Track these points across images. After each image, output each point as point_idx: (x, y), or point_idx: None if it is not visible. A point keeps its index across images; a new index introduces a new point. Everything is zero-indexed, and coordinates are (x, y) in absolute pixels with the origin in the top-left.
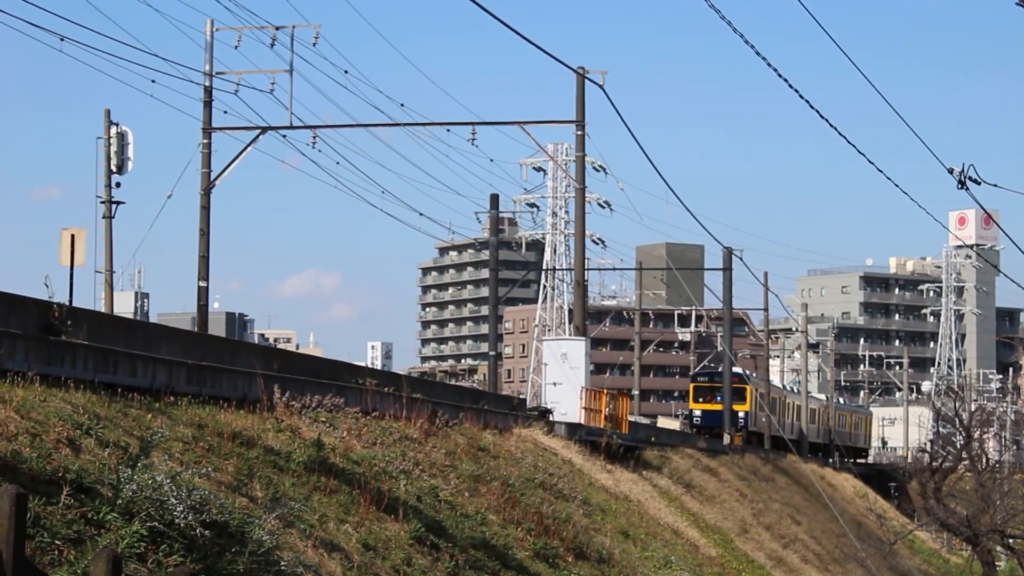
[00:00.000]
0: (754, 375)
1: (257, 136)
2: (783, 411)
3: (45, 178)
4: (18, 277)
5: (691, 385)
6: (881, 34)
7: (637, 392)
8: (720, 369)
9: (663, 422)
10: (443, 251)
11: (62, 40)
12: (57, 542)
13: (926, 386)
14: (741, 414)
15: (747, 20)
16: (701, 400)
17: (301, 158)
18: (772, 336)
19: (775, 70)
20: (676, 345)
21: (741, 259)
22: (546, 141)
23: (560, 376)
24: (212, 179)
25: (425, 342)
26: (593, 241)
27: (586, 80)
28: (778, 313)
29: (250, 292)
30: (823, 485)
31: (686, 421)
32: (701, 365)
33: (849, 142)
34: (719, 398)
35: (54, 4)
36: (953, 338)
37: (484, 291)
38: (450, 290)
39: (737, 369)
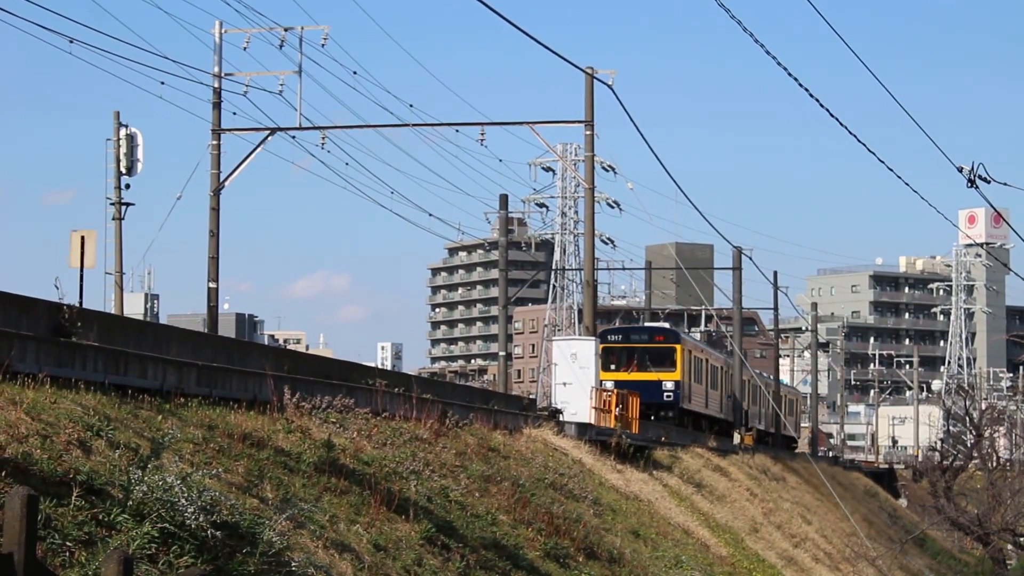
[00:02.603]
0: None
1: (266, 137)
2: (725, 386)
3: (58, 182)
4: (30, 279)
5: (600, 347)
6: (890, 34)
7: None
8: (641, 324)
9: None
10: (452, 251)
11: (71, 42)
12: (68, 543)
13: (936, 385)
14: (668, 385)
15: (756, 20)
16: (614, 367)
17: (310, 159)
18: (782, 335)
19: (785, 69)
20: None
21: (751, 258)
22: (555, 141)
23: (570, 376)
24: (222, 180)
25: (435, 342)
26: (603, 241)
27: (595, 80)
28: (788, 312)
29: (261, 293)
30: (833, 484)
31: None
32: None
33: (859, 140)
34: (640, 364)
35: (63, 6)
36: (963, 337)
37: (494, 291)
38: (460, 290)
39: (663, 324)
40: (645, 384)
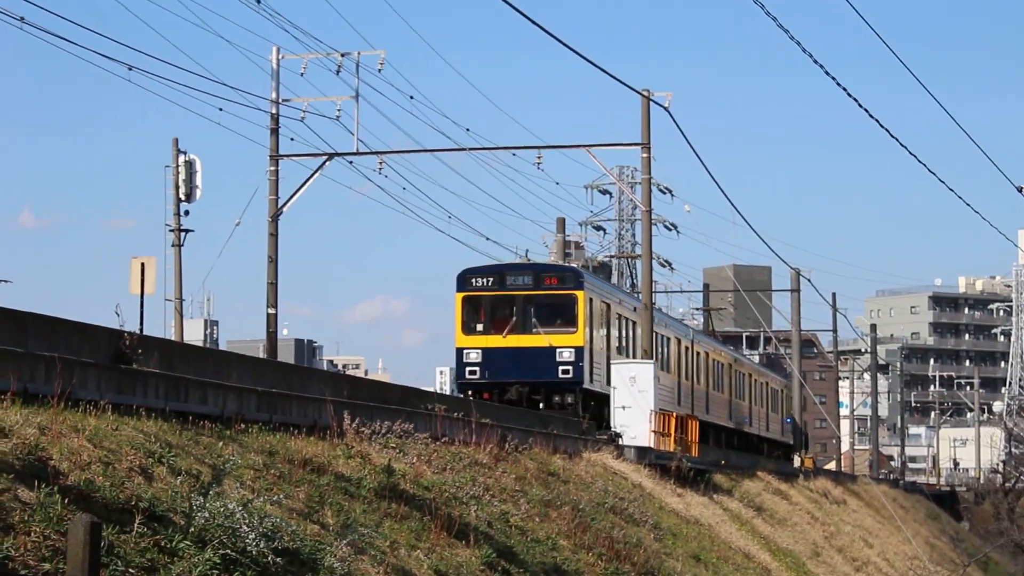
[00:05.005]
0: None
1: (324, 163)
2: (684, 365)
3: (120, 209)
4: (91, 306)
5: (458, 297)
6: (949, 54)
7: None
8: (524, 261)
9: None
10: None
11: (130, 69)
12: (131, 570)
13: (997, 406)
14: (565, 353)
15: (814, 41)
16: (479, 328)
17: (368, 184)
18: (841, 357)
19: (844, 89)
20: None
21: (809, 280)
22: (612, 164)
23: (629, 399)
24: (280, 206)
25: None
26: (660, 263)
27: (651, 103)
28: (847, 334)
29: (320, 318)
30: (895, 507)
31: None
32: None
33: (919, 161)
34: (521, 322)
35: (124, 35)
36: None
37: None
38: None
39: (553, 259)
40: (528, 354)
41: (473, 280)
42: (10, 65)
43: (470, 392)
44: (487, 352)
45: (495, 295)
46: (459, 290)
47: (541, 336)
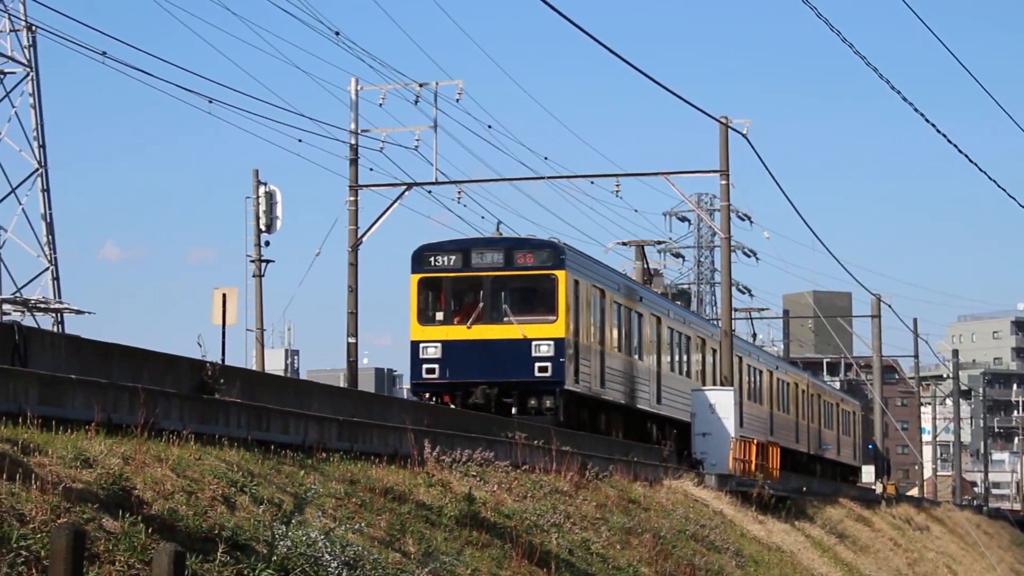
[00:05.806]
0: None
1: (403, 192)
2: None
3: (201, 240)
4: (173, 337)
5: (414, 279)
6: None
7: None
8: (495, 234)
9: None
10: None
11: (210, 102)
12: None
13: None
14: (543, 347)
15: (891, 66)
16: (440, 317)
17: (447, 213)
18: (923, 383)
19: (923, 115)
20: None
21: (890, 306)
22: (690, 191)
23: (709, 426)
24: (359, 236)
25: None
26: (739, 290)
27: (729, 130)
28: (929, 360)
29: (401, 347)
30: (979, 534)
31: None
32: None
33: (999, 186)
34: (491, 308)
35: (204, 68)
36: None
37: None
38: None
39: (538, 233)
40: (498, 348)
41: (431, 259)
42: (93, 100)
43: (427, 395)
44: (448, 346)
45: (457, 276)
46: (414, 271)
47: (513, 326)
